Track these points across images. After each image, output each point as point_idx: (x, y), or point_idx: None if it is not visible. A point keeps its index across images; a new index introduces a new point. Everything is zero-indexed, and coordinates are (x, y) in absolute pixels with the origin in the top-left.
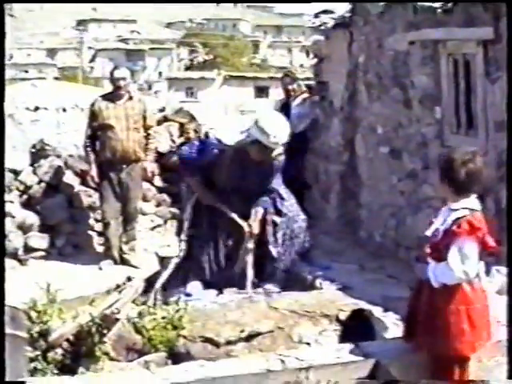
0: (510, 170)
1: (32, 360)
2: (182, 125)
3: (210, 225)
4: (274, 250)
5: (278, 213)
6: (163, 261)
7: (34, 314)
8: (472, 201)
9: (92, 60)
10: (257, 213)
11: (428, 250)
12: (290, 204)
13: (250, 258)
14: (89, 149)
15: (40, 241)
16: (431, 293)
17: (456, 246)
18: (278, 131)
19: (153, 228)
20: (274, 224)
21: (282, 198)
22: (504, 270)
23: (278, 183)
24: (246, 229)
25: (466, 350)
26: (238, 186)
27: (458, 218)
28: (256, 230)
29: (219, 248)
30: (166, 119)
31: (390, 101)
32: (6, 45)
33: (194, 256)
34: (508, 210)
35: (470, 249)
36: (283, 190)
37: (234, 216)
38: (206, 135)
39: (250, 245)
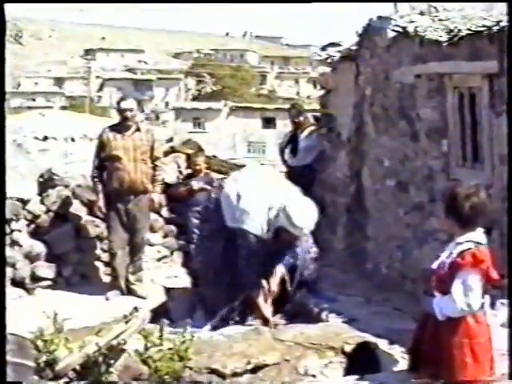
0: (510, 204)
1: None
2: (189, 156)
3: (225, 263)
4: (290, 289)
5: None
6: (169, 292)
7: (40, 344)
8: (477, 234)
9: (100, 89)
10: (277, 272)
11: (434, 283)
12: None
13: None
14: (96, 179)
15: (47, 270)
16: (436, 326)
17: (459, 278)
18: (306, 221)
19: (160, 259)
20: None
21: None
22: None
23: None
24: (265, 286)
25: (469, 383)
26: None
27: (463, 251)
28: (274, 288)
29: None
30: (173, 150)
31: (396, 133)
32: (6, 68)
33: (202, 289)
34: (509, 243)
35: (474, 281)
36: None
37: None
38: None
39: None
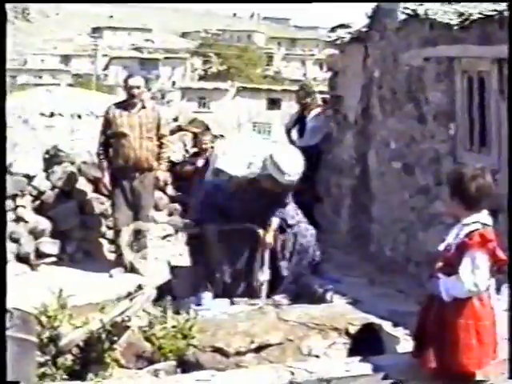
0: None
1: (41, 365)
2: (195, 135)
3: (224, 236)
4: (282, 265)
5: (285, 230)
6: (174, 270)
7: (44, 319)
8: (484, 216)
9: (106, 67)
10: (271, 223)
11: (440, 265)
12: (298, 219)
13: (266, 268)
14: (102, 156)
15: (51, 246)
16: (441, 308)
17: (467, 257)
18: (292, 169)
19: (164, 237)
20: (282, 241)
21: (292, 216)
22: None
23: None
24: (262, 236)
25: (473, 365)
26: (250, 210)
27: (471, 232)
28: (270, 239)
29: (234, 258)
30: (179, 129)
31: (403, 116)
32: (6, 48)
33: (206, 266)
34: (509, 229)
35: (481, 261)
36: (291, 207)
37: (250, 225)
38: (217, 172)
39: (267, 255)
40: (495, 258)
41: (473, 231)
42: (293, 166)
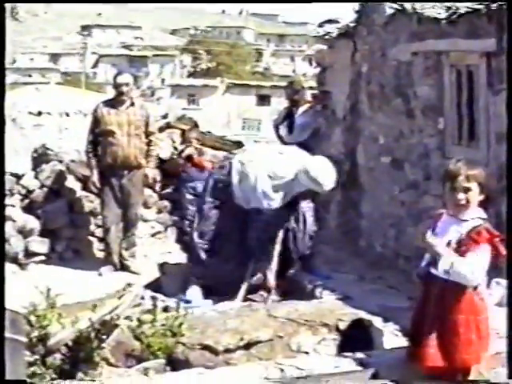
0: (510, 183)
1: (31, 364)
2: (184, 132)
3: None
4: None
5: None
6: (163, 267)
7: (33, 319)
8: (480, 211)
9: (95, 65)
10: (272, 270)
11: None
12: (310, 214)
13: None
14: (90, 154)
15: (40, 245)
16: (439, 304)
17: (476, 252)
18: (330, 180)
19: (153, 235)
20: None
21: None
22: (503, 281)
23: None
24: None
25: (472, 360)
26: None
27: (475, 227)
28: (272, 284)
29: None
30: (168, 126)
31: (392, 111)
32: (6, 46)
33: (198, 262)
34: (508, 222)
35: (485, 253)
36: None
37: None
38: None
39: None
40: (497, 251)
41: (477, 227)
42: (328, 175)
